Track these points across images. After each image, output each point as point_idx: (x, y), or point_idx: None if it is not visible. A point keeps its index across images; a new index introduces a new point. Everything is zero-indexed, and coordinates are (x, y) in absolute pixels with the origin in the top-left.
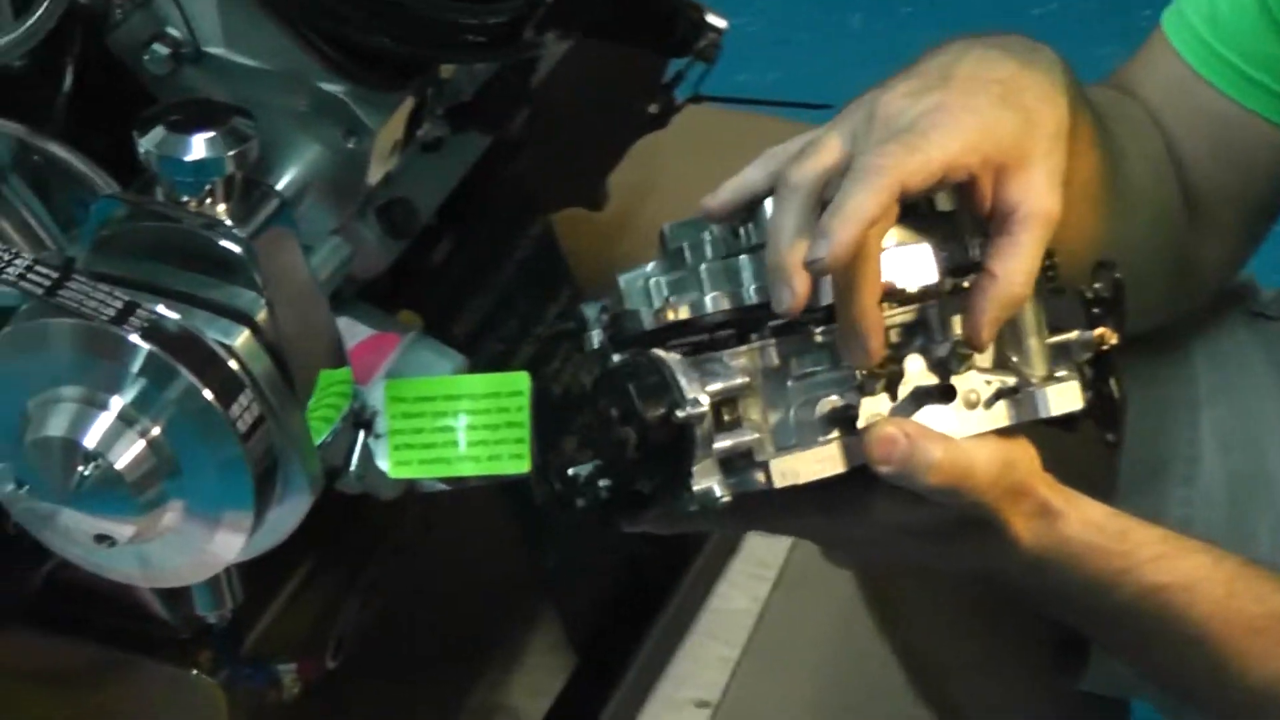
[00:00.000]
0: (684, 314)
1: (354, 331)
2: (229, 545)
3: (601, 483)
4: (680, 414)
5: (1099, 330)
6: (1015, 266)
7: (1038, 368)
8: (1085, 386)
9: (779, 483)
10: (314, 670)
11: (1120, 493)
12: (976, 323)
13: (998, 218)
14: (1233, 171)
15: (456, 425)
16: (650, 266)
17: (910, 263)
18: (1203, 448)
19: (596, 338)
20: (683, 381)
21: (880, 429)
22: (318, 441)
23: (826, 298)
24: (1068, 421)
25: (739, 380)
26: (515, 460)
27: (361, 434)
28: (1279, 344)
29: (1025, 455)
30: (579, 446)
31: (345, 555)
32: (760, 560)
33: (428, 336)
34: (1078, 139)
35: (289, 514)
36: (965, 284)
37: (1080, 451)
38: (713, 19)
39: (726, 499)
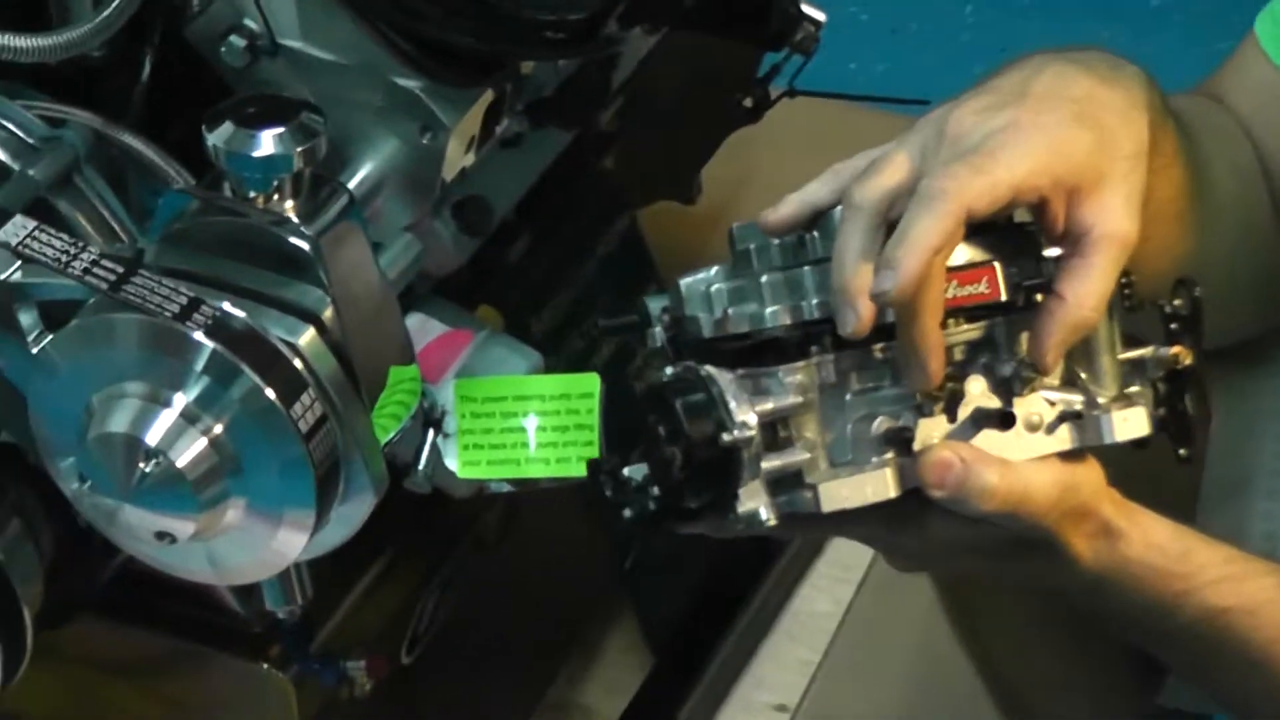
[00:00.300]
0: (742, 327)
1: (427, 328)
2: (291, 543)
3: (651, 492)
4: (727, 437)
5: (1175, 348)
6: (1086, 290)
7: (1108, 386)
8: (1158, 403)
9: (827, 507)
10: (383, 667)
11: (1202, 505)
12: (1042, 346)
13: (1071, 238)
14: None
15: (526, 426)
16: (714, 270)
17: (977, 280)
18: None
19: (659, 336)
20: (732, 403)
21: (935, 453)
22: (384, 440)
23: (888, 315)
24: (1138, 440)
25: (792, 399)
26: (584, 463)
27: (431, 433)
28: None
29: (1089, 477)
30: (634, 452)
31: (424, 551)
32: (844, 563)
33: (503, 334)
34: (1160, 154)
35: (353, 513)
36: (1037, 298)
37: (1158, 464)
38: (811, 11)
39: (773, 521)
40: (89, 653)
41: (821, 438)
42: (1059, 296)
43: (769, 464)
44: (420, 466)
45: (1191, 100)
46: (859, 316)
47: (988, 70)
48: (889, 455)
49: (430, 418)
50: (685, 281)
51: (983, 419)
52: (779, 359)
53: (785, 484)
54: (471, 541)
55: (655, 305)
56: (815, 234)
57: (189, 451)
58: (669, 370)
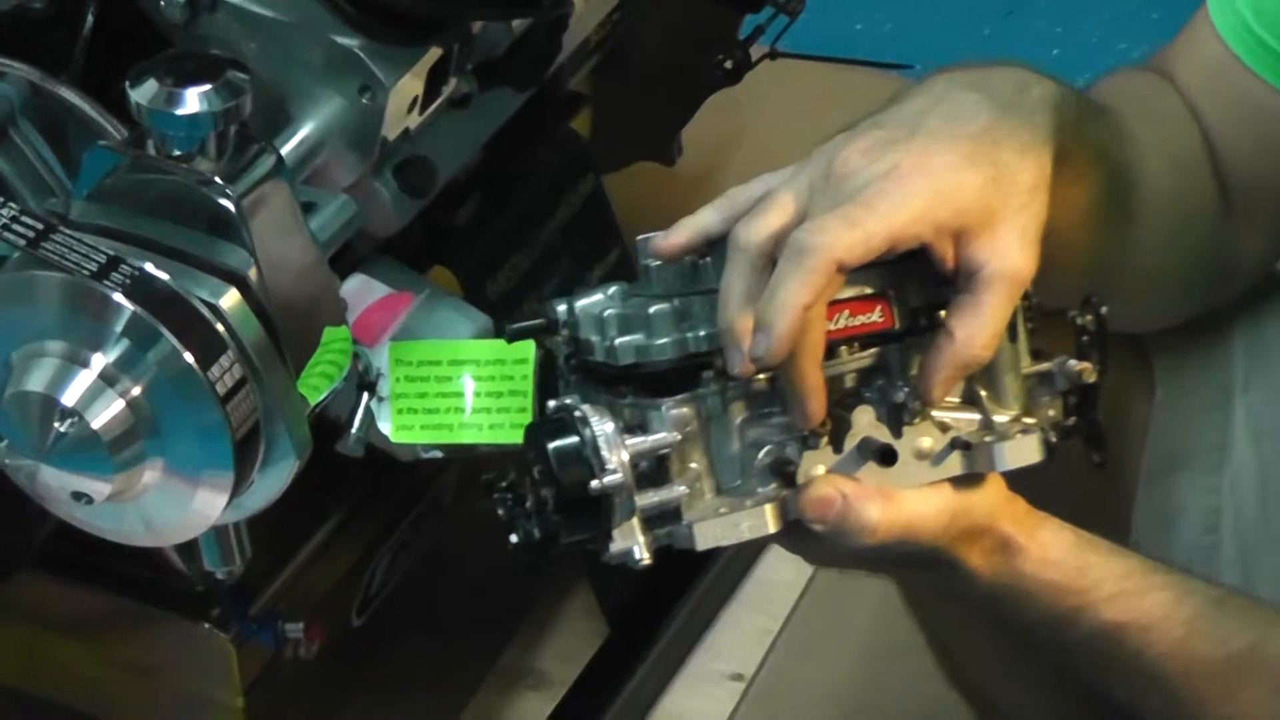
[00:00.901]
0: (629, 358)
1: (370, 290)
2: (211, 505)
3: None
4: (596, 484)
5: (1081, 365)
6: (976, 329)
7: (1011, 405)
8: (1068, 413)
9: (701, 545)
10: (323, 632)
11: (1144, 481)
12: (929, 381)
13: (962, 276)
14: (1271, 161)
15: (461, 391)
16: (612, 290)
17: (869, 310)
18: (1234, 436)
19: (560, 348)
20: (604, 448)
21: (815, 489)
22: (315, 403)
23: None
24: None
25: (670, 436)
26: (518, 430)
27: (365, 396)
28: None
29: (984, 497)
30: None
31: (377, 513)
32: None
33: (450, 296)
34: (1075, 165)
35: (276, 476)
36: (940, 315)
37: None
38: None
39: (647, 561)
40: (33, 610)
41: (708, 467)
42: (948, 334)
43: (645, 501)
44: (353, 430)
45: (1133, 82)
46: (744, 358)
47: (995, 33)
48: (772, 487)
49: (364, 380)
50: (581, 303)
51: (869, 451)
52: (670, 384)
53: (666, 517)
54: (428, 504)
55: (561, 311)
56: (708, 260)
57: (105, 413)
58: (550, 404)
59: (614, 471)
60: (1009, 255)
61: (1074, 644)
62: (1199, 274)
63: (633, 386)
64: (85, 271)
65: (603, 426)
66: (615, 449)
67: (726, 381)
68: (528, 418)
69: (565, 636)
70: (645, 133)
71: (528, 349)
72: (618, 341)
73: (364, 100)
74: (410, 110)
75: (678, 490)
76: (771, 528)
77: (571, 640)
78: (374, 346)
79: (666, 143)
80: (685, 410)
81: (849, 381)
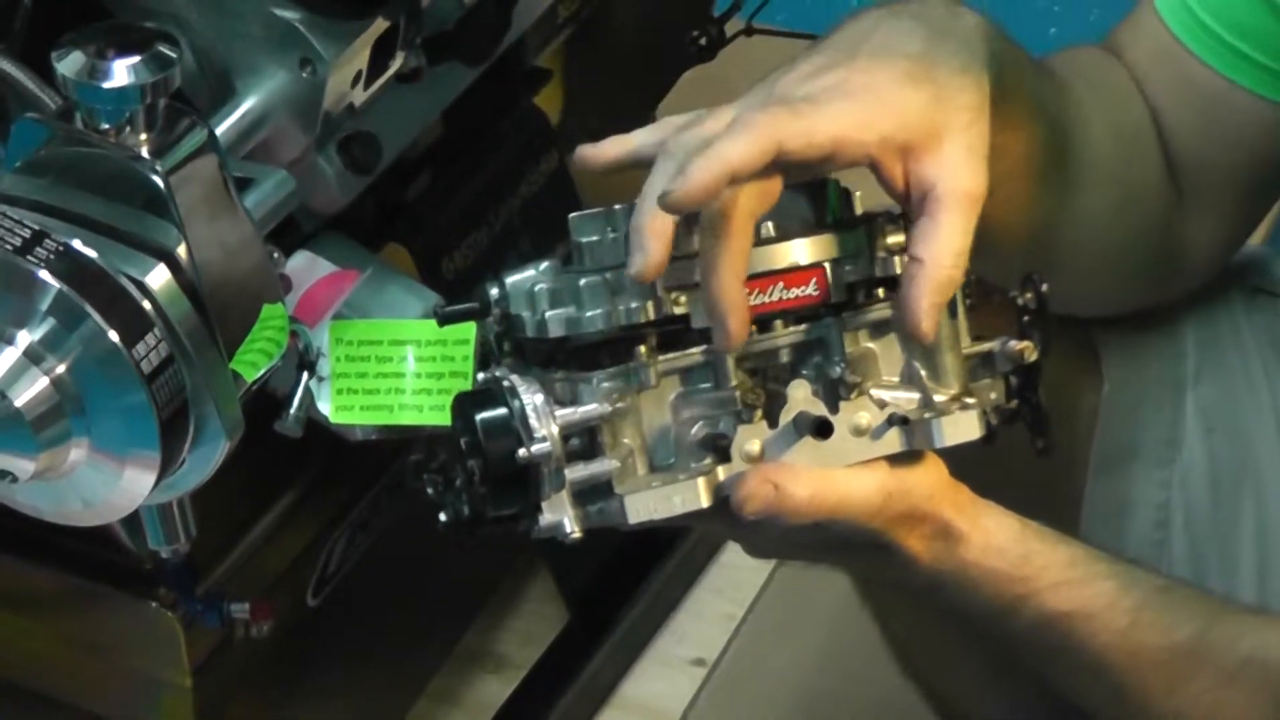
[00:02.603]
0: (559, 331)
1: (315, 267)
2: (138, 485)
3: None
4: (523, 453)
5: (1022, 344)
6: (941, 248)
7: (950, 384)
8: (1010, 395)
9: (633, 519)
10: (269, 612)
11: (1092, 473)
12: (914, 314)
13: (915, 200)
14: (1218, 146)
15: (401, 371)
16: (544, 266)
17: (805, 283)
18: (1185, 429)
19: (490, 328)
20: (532, 418)
21: (744, 486)
22: (251, 382)
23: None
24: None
25: (600, 409)
26: None
27: (305, 376)
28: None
29: (923, 479)
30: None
31: (334, 491)
32: None
33: (399, 274)
34: (1012, 111)
35: (207, 456)
36: (879, 293)
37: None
38: None
39: (577, 534)
40: None
41: (641, 444)
42: (916, 260)
43: (574, 474)
44: (293, 409)
45: (1082, 53)
46: (647, 254)
47: (988, 9)
48: (707, 462)
49: (304, 359)
50: (511, 279)
51: (804, 425)
52: (602, 359)
53: (598, 492)
54: (387, 483)
55: (493, 291)
56: None
57: (28, 391)
58: (480, 376)
59: (542, 441)
60: (959, 171)
61: (1018, 634)
62: (1145, 257)
63: (564, 362)
64: (9, 246)
65: (531, 397)
66: (544, 419)
67: (658, 356)
68: None
69: (526, 619)
70: (619, 110)
71: (469, 330)
72: (548, 314)
73: (305, 74)
74: (354, 85)
75: (609, 464)
76: (704, 501)
77: (532, 623)
78: (317, 325)
79: (640, 120)
80: (617, 384)
81: (784, 356)
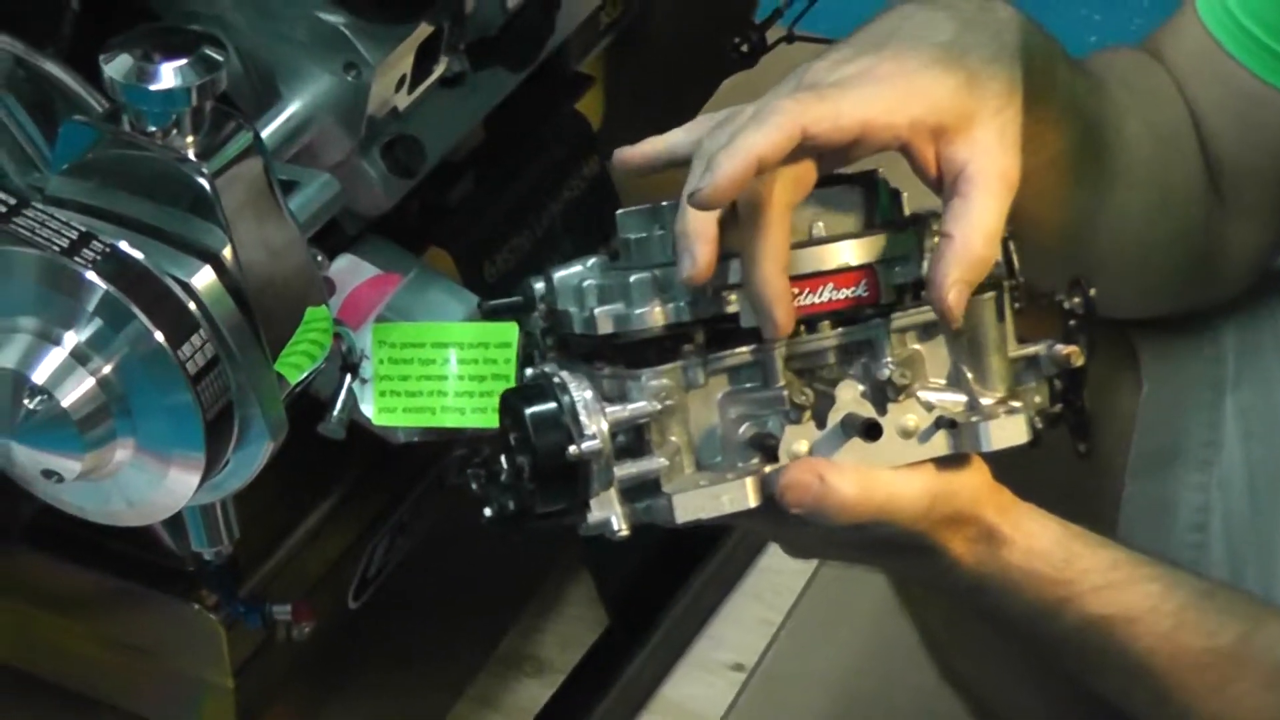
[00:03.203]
0: (608, 327)
1: (358, 270)
2: (183, 485)
3: (510, 493)
4: (574, 450)
5: (1068, 349)
6: (972, 227)
7: (996, 387)
8: (1054, 399)
9: (680, 518)
10: (311, 613)
11: (1130, 475)
12: (939, 289)
13: (947, 181)
14: (1259, 151)
15: (444, 374)
16: (591, 262)
17: (855, 283)
18: (1224, 432)
19: (536, 323)
20: (582, 414)
21: (790, 475)
22: (294, 384)
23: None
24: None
25: (650, 406)
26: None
27: (348, 378)
28: None
29: (968, 481)
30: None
31: (376, 495)
32: None
33: (441, 277)
34: (1045, 104)
35: (251, 457)
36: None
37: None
38: None
39: (625, 532)
40: (26, 588)
41: (688, 442)
42: (947, 236)
43: (623, 472)
44: (336, 411)
45: (1119, 55)
46: (694, 258)
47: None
48: (754, 462)
49: (348, 362)
50: (560, 275)
51: (853, 426)
52: (650, 356)
53: (645, 490)
54: (428, 485)
55: (539, 287)
56: None
57: (75, 391)
58: (529, 372)
59: (592, 438)
60: (990, 152)
61: (1059, 637)
62: (1184, 259)
63: (611, 358)
64: (56, 248)
65: (581, 393)
66: (594, 415)
67: (708, 354)
68: None
69: (565, 623)
70: (660, 116)
71: (511, 332)
72: (597, 311)
73: (349, 78)
74: (398, 89)
75: (657, 462)
76: (752, 501)
77: (572, 627)
78: (361, 327)
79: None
80: (665, 381)
81: (831, 357)
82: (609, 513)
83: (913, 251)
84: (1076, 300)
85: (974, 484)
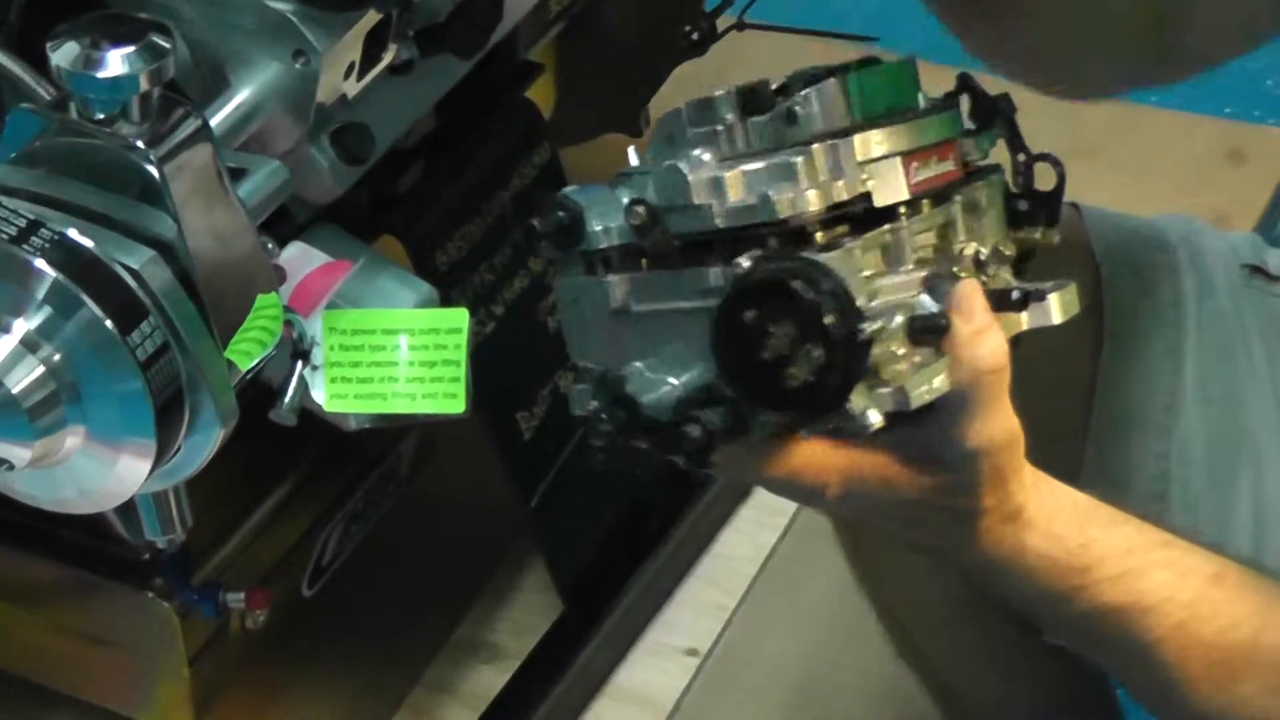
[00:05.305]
0: (783, 212)
1: (309, 258)
2: (134, 472)
3: (708, 414)
4: (867, 328)
5: (1038, 232)
6: None
7: (996, 235)
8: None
9: (915, 404)
10: (265, 600)
11: (1092, 440)
12: None
13: None
14: None
15: (395, 360)
16: (695, 156)
17: (943, 158)
18: (1184, 399)
19: (614, 234)
20: (855, 292)
21: (968, 285)
22: (245, 370)
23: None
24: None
25: (905, 277)
26: (450, 400)
27: (299, 364)
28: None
29: (1019, 440)
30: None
31: (329, 483)
32: (771, 508)
33: (391, 264)
34: None
35: (201, 444)
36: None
37: (1047, 400)
38: None
39: (880, 424)
40: None
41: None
42: None
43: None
44: (287, 398)
45: None
46: None
47: None
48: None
49: (298, 348)
50: (684, 165)
51: (998, 297)
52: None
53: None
54: (383, 474)
55: (584, 197)
56: (795, 108)
57: (24, 378)
58: (744, 262)
59: (876, 313)
60: None
61: (1067, 620)
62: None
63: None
64: (4, 236)
65: (846, 275)
66: (863, 291)
67: (865, 229)
68: (460, 388)
69: (520, 610)
70: (611, 104)
71: (461, 318)
72: (773, 195)
73: (298, 66)
74: (347, 76)
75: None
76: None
77: (526, 614)
78: (311, 314)
79: (633, 115)
80: (871, 255)
81: (935, 236)
82: (867, 404)
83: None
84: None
85: (1020, 441)
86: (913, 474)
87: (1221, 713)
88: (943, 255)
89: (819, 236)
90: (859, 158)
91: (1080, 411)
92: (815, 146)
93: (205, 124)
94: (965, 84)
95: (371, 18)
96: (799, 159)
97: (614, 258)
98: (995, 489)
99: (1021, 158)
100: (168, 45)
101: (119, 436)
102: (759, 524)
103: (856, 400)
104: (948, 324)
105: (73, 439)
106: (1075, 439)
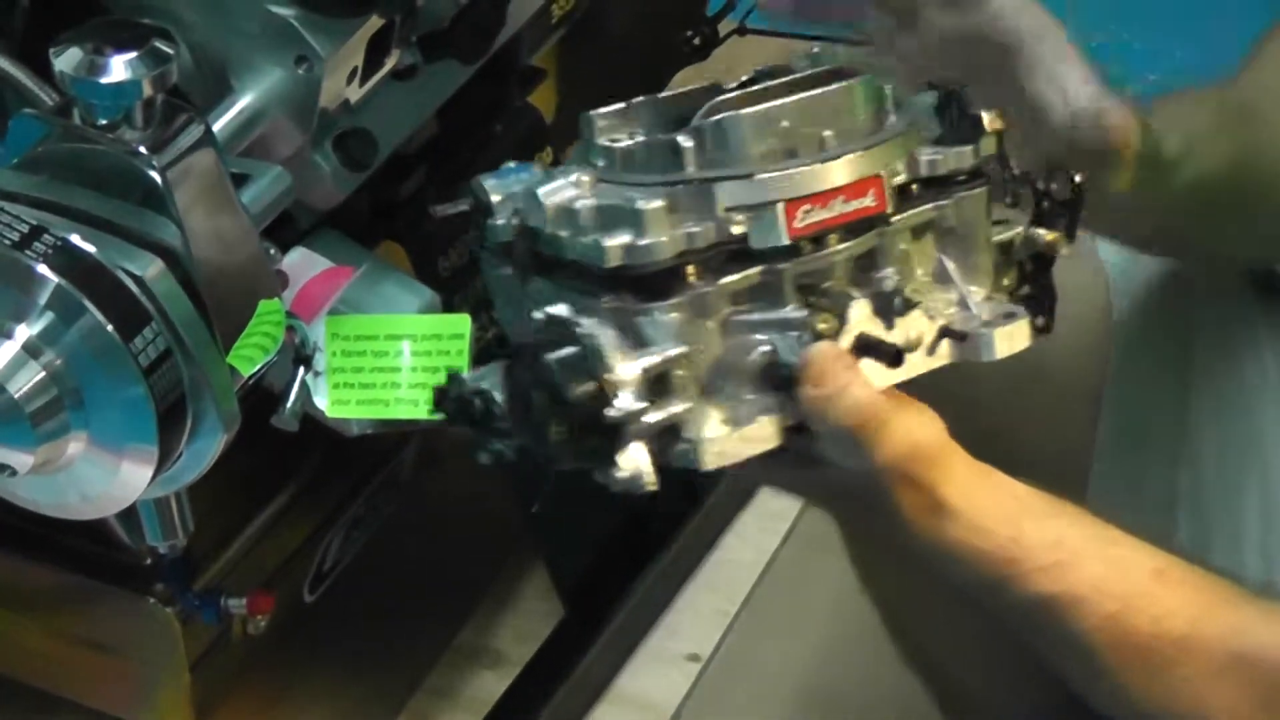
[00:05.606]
0: (618, 261)
1: (311, 264)
2: (136, 478)
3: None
4: (613, 414)
5: (1051, 235)
6: None
7: (982, 282)
8: (1022, 280)
9: (709, 465)
10: (266, 606)
11: (1101, 452)
12: None
13: None
14: None
15: (397, 366)
16: (574, 176)
17: (864, 194)
18: (1194, 410)
19: (500, 232)
20: (613, 366)
21: (819, 349)
22: (247, 376)
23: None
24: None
25: (678, 348)
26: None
27: (301, 370)
28: None
29: (935, 438)
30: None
31: (331, 487)
32: (771, 514)
33: (394, 270)
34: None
35: (204, 450)
36: (921, 199)
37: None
38: None
39: (653, 486)
40: None
41: (695, 371)
42: None
43: (651, 420)
44: (289, 404)
45: None
46: None
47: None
48: (768, 398)
49: (301, 354)
50: (544, 190)
51: (867, 347)
52: (660, 284)
53: (667, 435)
54: (385, 480)
55: (495, 192)
56: (684, 139)
57: (27, 384)
58: (537, 315)
59: (629, 395)
60: None
61: (1002, 608)
62: None
63: (613, 287)
64: (7, 241)
65: (607, 336)
66: (624, 365)
67: (716, 279)
68: None
69: (521, 616)
70: None
71: (464, 324)
72: (606, 244)
73: (301, 71)
74: (350, 82)
75: (682, 405)
76: (774, 440)
77: (528, 619)
78: (313, 320)
79: None
80: (677, 316)
81: (839, 271)
82: (639, 465)
83: (907, 153)
84: (1055, 186)
85: (938, 444)
86: (830, 494)
87: (1154, 702)
88: (862, 286)
89: (690, 271)
90: (725, 204)
91: (1089, 419)
92: (672, 190)
93: (208, 130)
94: (949, 98)
95: (374, 23)
96: (647, 205)
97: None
98: (909, 491)
99: (1007, 175)
100: (171, 51)
101: (121, 442)
102: (761, 529)
103: (626, 463)
104: (795, 380)
105: (75, 445)
106: (1084, 447)
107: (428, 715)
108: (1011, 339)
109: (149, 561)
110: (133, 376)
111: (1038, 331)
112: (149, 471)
